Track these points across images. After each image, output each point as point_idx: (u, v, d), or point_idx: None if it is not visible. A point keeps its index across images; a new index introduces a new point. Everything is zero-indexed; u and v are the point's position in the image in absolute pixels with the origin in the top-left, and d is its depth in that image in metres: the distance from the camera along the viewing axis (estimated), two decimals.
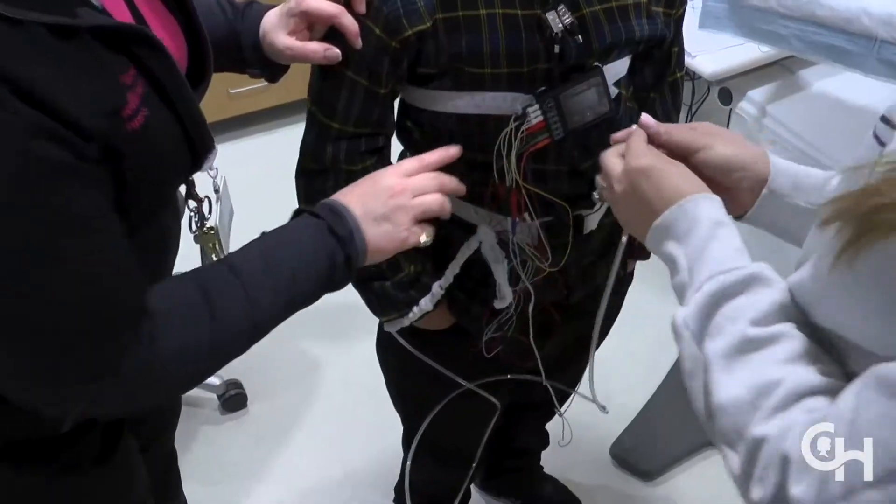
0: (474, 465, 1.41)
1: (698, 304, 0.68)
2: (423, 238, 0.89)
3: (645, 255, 1.29)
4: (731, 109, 2.15)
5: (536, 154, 0.98)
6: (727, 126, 2.24)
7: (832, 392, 0.59)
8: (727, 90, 1.87)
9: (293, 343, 2.19)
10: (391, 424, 1.52)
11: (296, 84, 2.84)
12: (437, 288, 1.07)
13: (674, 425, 1.91)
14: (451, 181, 0.91)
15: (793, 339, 0.64)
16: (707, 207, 0.74)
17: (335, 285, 0.85)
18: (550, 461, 1.84)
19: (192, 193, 0.92)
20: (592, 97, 0.98)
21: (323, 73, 0.97)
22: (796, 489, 0.54)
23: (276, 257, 0.80)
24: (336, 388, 2.10)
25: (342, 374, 2.13)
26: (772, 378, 0.61)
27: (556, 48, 0.94)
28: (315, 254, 0.81)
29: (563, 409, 1.39)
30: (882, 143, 0.70)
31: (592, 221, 1.08)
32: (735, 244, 0.71)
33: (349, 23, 0.91)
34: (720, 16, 1.48)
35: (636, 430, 1.96)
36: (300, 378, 2.13)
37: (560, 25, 0.93)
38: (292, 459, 1.95)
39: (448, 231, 1.07)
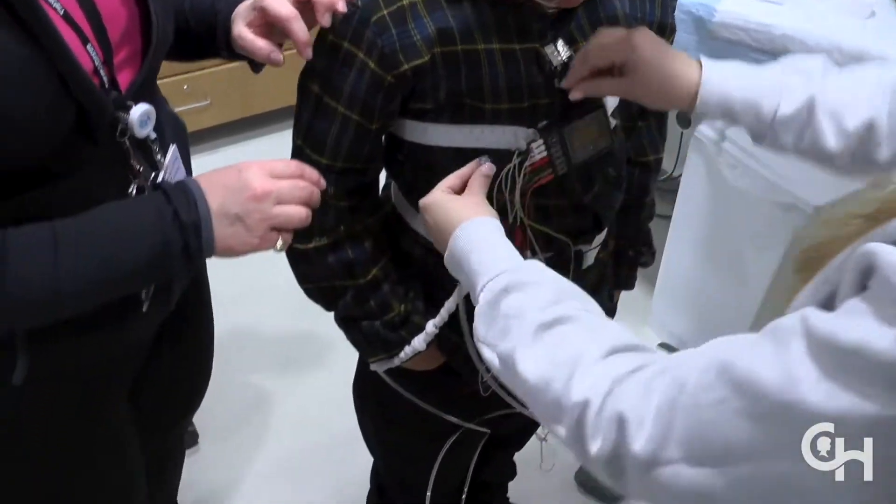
0: (465, 490, 1.37)
1: (481, 315, 0.75)
2: (279, 245, 0.84)
3: (630, 286, 1.28)
4: (682, 133, 2.18)
5: (538, 189, 0.94)
6: (679, 150, 2.26)
7: (631, 348, 0.65)
8: (685, 114, 1.88)
9: (244, 377, 2.10)
10: (350, 458, 1.45)
11: (223, 108, 2.76)
12: (432, 327, 1.02)
13: None
14: (318, 198, 0.87)
15: (579, 316, 0.70)
16: (465, 234, 0.82)
17: (172, 272, 0.80)
18: (515, 489, 1.80)
19: (127, 163, 0.84)
20: (594, 130, 0.95)
21: (314, 107, 0.92)
22: (636, 446, 0.57)
23: (103, 232, 0.75)
24: (290, 422, 2.01)
25: (296, 408, 2.04)
26: (574, 349, 0.66)
27: (557, 82, 0.91)
28: (148, 237, 0.76)
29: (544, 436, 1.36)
30: None
31: (591, 256, 1.05)
32: (494, 250, 0.80)
33: (298, 29, 0.86)
34: (689, 48, 1.48)
35: None
36: (252, 413, 2.04)
37: (560, 59, 0.90)
38: (247, 498, 1.85)
39: (441, 269, 1.02)
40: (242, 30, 0.93)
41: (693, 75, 0.87)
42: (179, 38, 0.95)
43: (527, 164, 0.92)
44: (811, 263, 0.59)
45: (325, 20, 0.87)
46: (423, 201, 0.89)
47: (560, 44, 0.90)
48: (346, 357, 1.21)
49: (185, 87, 2.57)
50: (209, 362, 1.25)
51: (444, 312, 1.02)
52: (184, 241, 0.77)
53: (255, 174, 0.81)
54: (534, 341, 0.69)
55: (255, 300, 2.23)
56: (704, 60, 0.87)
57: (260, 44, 0.91)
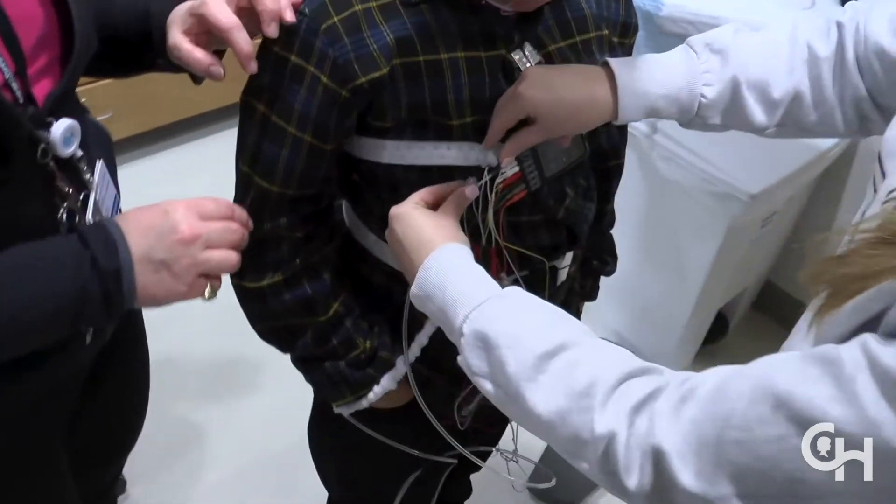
0: None
1: (470, 347, 0.70)
2: (207, 294, 0.78)
3: (594, 296, 1.23)
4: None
5: (511, 207, 0.88)
6: None
7: (644, 371, 0.63)
8: None
9: (171, 411, 1.95)
10: (297, 489, 1.35)
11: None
12: (402, 364, 0.94)
13: None
14: (247, 241, 0.81)
15: (580, 340, 0.66)
16: (437, 263, 0.76)
17: (92, 322, 0.78)
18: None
19: (53, 185, 0.76)
20: (567, 140, 0.89)
21: (261, 128, 0.82)
22: (684, 479, 0.55)
23: (14, 278, 0.69)
24: (227, 457, 1.89)
25: (232, 440, 1.92)
26: (586, 378, 0.62)
27: None
28: (64, 285, 0.70)
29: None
30: (875, 190, 0.68)
31: (563, 273, 0.99)
32: (472, 278, 0.74)
33: (240, 40, 0.76)
34: (638, 43, 1.43)
35: (550, 460, 1.90)
36: (185, 450, 1.90)
37: (528, 65, 0.83)
38: None
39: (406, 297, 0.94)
40: (178, 38, 0.81)
41: (603, 91, 0.82)
42: (110, 47, 0.85)
43: (498, 181, 0.85)
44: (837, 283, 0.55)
45: (272, 30, 0.77)
46: (394, 210, 0.82)
47: (528, 49, 0.83)
48: (278, 375, 1.11)
49: (83, 99, 2.37)
50: (145, 395, 1.18)
51: (415, 347, 0.94)
52: (103, 289, 0.71)
53: (184, 215, 0.74)
54: (539, 372, 0.65)
55: (176, 324, 2.08)
56: (614, 66, 0.83)
57: (198, 55, 0.80)
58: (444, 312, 0.74)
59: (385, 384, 0.95)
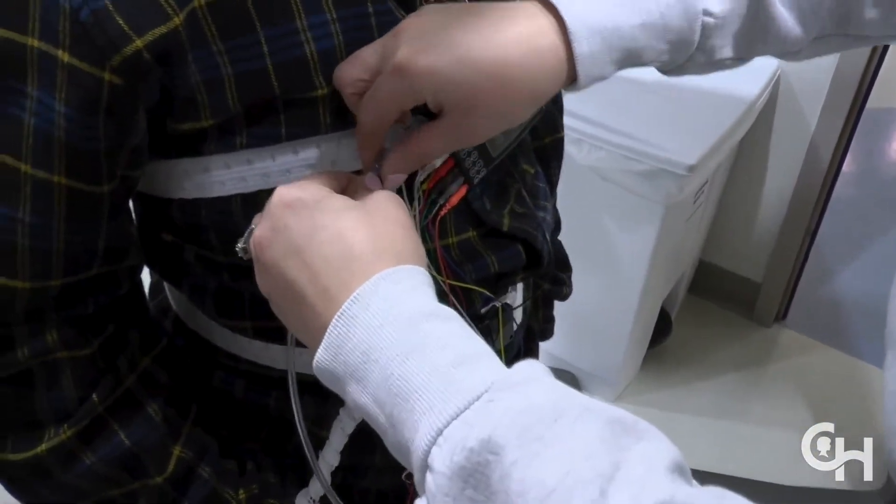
0: None
1: (447, 491, 0.36)
2: None
3: (549, 334, 0.92)
4: None
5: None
6: None
7: None
8: None
9: None
10: None
11: None
12: (306, 502, 0.58)
13: None
14: None
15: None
16: (368, 304, 0.40)
17: None
18: None
19: None
20: None
21: None
22: None
23: None
24: None
25: None
26: None
27: None
28: None
29: None
30: None
31: (519, 311, 0.66)
32: (460, 344, 0.40)
33: None
34: None
35: None
36: None
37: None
38: None
39: (286, 405, 0.56)
40: None
41: (547, 39, 0.46)
42: None
43: (420, 177, 0.51)
44: None
45: None
46: (286, 192, 0.45)
47: None
48: None
49: None
50: None
51: (322, 473, 0.58)
52: None
53: None
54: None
55: None
56: None
57: None
58: (386, 412, 0.39)
59: None
